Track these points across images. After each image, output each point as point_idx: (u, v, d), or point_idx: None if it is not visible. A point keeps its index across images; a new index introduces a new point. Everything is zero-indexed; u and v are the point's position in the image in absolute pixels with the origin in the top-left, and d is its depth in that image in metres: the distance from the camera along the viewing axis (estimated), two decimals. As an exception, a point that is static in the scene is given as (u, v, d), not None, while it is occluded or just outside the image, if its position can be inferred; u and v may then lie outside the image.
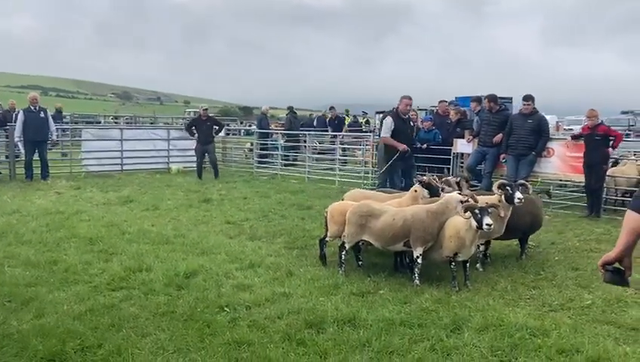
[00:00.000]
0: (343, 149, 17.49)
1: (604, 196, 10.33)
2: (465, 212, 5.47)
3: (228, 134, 15.68)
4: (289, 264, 6.41)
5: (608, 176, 10.35)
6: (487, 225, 5.34)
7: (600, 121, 9.99)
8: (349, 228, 6.06)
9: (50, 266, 6.15)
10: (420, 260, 5.74)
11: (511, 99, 18.43)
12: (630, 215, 2.55)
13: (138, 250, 6.85)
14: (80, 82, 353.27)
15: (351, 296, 5.31)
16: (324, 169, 16.41)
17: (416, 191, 6.46)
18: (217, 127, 15.18)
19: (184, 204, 10.47)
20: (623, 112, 36.80)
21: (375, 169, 13.12)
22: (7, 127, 14.10)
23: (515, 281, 5.93)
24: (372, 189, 9.45)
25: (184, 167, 16.49)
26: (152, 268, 6.09)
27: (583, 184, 10.12)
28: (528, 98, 10.45)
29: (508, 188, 6.17)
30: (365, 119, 26.18)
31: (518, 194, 6.05)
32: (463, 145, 11.50)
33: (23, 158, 13.64)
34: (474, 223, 5.41)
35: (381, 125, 12.09)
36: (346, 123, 24.89)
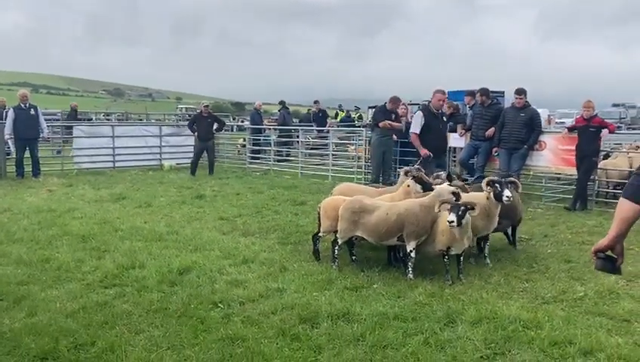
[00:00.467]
0: (336, 144, 17.48)
1: (596, 189, 10.39)
2: (452, 210, 5.43)
3: (220, 130, 15.60)
4: (283, 259, 6.41)
5: (600, 168, 10.40)
6: (450, 222, 5.33)
7: (595, 113, 10.02)
8: (341, 224, 6.06)
9: (43, 264, 6.12)
10: (413, 254, 5.75)
11: (503, 92, 18.48)
12: (623, 203, 2.58)
13: (131, 247, 6.82)
14: (71, 79, 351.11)
15: (344, 291, 5.32)
16: (317, 164, 16.40)
17: (408, 186, 6.46)
18: (218, 124, 15.15)
19: (177, 201, 10.44)
20: (614, 105, 37.00)
21: (368, 164, 13.14)
22: (-2, 125, 13.99)
23: (508, 274, 5.95)
24: (366, 184, 9.47)
25: (177, 164, 16.44)
26: (145, 265, 6.07)
27: (575, 177, 10.15)
28: (521, 92, 10.47)
29: (497, 185, 6.07)
30: (358, 114, 26.17)
31: (506, 192, 5.96)
32: (456, 139, 11.53)
33: (14, 156, 13.54)
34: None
35: (374, 120, 12.13)
36: (339, 118, 24.85)
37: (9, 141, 13.40)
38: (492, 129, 10.64)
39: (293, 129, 19.18)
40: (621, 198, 2.60)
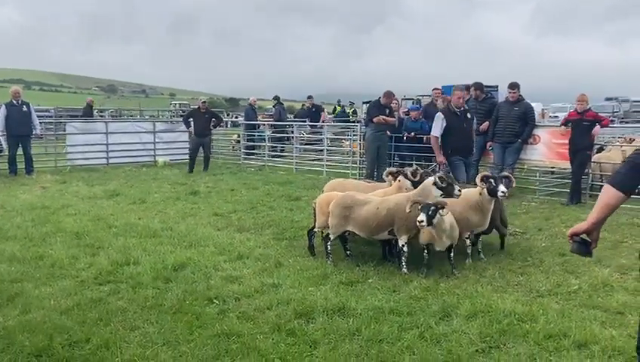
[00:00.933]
0: (331, 140, 17.47)
1: (589, 182, 10.42)
2: (422, 210, 5.39)
3: (215, 126, 15.57)
4: (278, 255, 6.40)
5: (594, 162, 10.43)
6: (418, 221, 5.30)
7: (588, 107, 10.02)
8: (332, 220, 6.09)
9: (36, 261, 6.09)
10: (405, 248, 5.77)
11: (497, 87, 18.50)
12: (608, 189, 2.61)
13: (125, 244, 6.80)
14: (64, 76, 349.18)
15: (340, 286, 5.32)
16: (312, 160, 16.39)
17: (399, 181, 6.48)
18: (215, 121, 15.11)
19: (171, 197, 10.41)
20: (607, 99, 37.15)
21: (363, 159, 13.15)
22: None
23: (502, 268, 5.96)
24: (360, 179, 9.47)
25: (171, 160, 16.39)
26: (139, 261, 6.05)
27: (570, 170, 10.18)
28: (514, 86, 10.49)
29: (491, 180, 6.02)
30: (352, 109, 26.16)
31: (501, 188, 5.92)
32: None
33: (6, 153, 13.45)
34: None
35: (368, 115, 12.12)
36: (336, 113, 24.81)
37: (1, 138, 13.31)
38: (486, 123, 10.66)
39: (288, 124, 19.15)
40: (606, 185, 2.63)
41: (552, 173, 11.83)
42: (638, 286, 5.34)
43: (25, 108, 13.35)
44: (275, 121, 19.40)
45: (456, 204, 5.89)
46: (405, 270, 5.72)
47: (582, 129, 9.71)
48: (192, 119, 14.77)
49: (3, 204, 9.46)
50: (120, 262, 6.01)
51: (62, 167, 14.85)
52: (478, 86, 11.04)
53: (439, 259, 6.06)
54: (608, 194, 2.58)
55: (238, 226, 7.98)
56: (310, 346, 4.04)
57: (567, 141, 10.00)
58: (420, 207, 5.39)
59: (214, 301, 4.91)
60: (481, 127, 10.69)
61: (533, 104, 11.66)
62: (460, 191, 5.86)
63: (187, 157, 15.31)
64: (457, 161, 9.14)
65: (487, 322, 4.42)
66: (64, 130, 16.44)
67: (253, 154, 17.78)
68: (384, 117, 11.35)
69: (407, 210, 5.50)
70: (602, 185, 9.52)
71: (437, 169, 7.29)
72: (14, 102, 13.29)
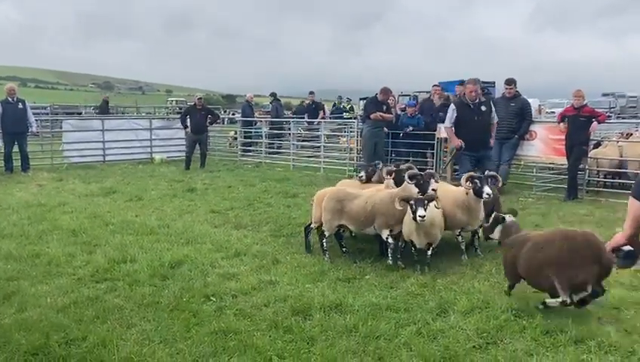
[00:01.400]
0: (328, 136, 17.45)
1: (586, 178, 10.43)
2: (417, 205, 5.40)
3: (211, 123, 15.56)
4: (275, 252, 6.40)
5: (590, 157, 10.45)
6: (420, 216, 5.29)
7: (585, 103, 10.03)
8: (325, 215, 6.14)
9: (33, 259, 6.07)
10: (390, 240, 5.90)
11: (494, 83, 18.51)
12: (632, 203, 2.61)
13: (122, 241, 6.79)
14: (60, 73, 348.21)
15: (337, 282, 5.32)
16: (309, 156, 16.38)
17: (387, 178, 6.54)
18: (212, 117, 15.09)
19: (168, 194, 10.39)
20: (604, 94, 37.21)
21: (360, 155, 13.14)
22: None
23: (499, 264, 5.92)
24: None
25: (167, 157, 16.36)
26: (136, 258, 6.04)
27: (566, 166, 10.19)
28: (511, 82, 10.49)
29: (477, 181, 5.95)
30: (349, 105, 26.11)
31: (486, 189, 5.84)
32: (447, 130, 11.52)
33: (2, 151, 13.40)
34: (411, 215, 5.43)
35: (365, 111, 12.12)
36: (331, 111, 24.74)
37: None
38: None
39: (285, 121, 19.12)
40: (631, 198, 2.62)
41: (551, 169, 11.83)
42: (634, 282, 5.35)
43: (20, 106, 13.29)
44: (272, 118, 19.36)
45: (444, 202, 5.88)
46: (390, 261, 5.82)
47: (578, 124, 9.72)
48: (188, 116, 14.73)
49: (-1, 201, 9.44)
50: (117, 259, 5.99)
51: (58, 164, 14.82)
52: (476, 82, 11.02)
53: (438, 256, 6.07)
54: (633, 207, 2.58)
55: (235, 223, 7.97)
56: (307, 343, 4.04)
57: (563, 137, 10.01)
58: (413, 202, 5.39)
59: (211, 298, 4.90)
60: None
61: (530, 100, 11.69)
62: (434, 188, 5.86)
63: (184, 154, 15.30)
64: (464, 155, 8.99)
65: (484, 318, 4.42)
66: (60, 128, 16.38)
67: (250, 151, 17.76)
68: (381, 113, 11.37)
69: (399, 207, 5.51)
70: (599, 181, 9.56)
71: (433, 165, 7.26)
72: (10, 99, 13.23)
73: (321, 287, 5.15)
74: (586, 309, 4.63)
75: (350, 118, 20.42)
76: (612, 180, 11.07)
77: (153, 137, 16.77)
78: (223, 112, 36.02)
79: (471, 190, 6.02)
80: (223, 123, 27.05)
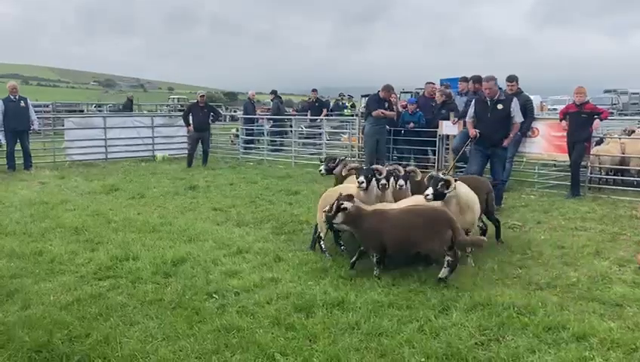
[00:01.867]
0: (330, 133, 17.45)
1: (588, 175, 10.42)
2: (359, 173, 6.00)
3: (214, 121, 15.55)
4: (277, 249, 6.41)
5: (592, 154, 10.43)
6: (359, 182, 5.88)
7: (587, 99, 9.99)
8: (320, 215, 6.13)
9: (36, 257, 6.08)
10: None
11: (496, 80, 18.46)
12: None
13: (124, 239, 6.80)
14: (61, 70, 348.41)
15: (339, 280, 5.32)
16: (311, 154, 16.37)
17: None
18: (214, 115, 15.09)
19: (170, 192, 10.40)
20: (606, 91, 37.14)
21: (361, 153, 13.14)
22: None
23: (501, 261, 5.97)
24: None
25: (169, 155, 16.37)
26: (138, 256, 6.05)
27: (568, 163, 10.17)
28: (512, 79, 10.46)
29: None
30: (351, 103, 26.11)
31: (427, 191, 5.68)
32: (449, 127, 11.51)
33: (4, 149, 13.43)
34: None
35: (367, 108, 12.12)
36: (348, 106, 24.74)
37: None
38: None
39: (287, 118, 19.11)
40: None
41: (555, 166, 11.81)
42: (636, 279, 5.36)
43: (22, 104, 13.31)
44: (273, 115, 19.35)
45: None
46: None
47: (580, 122, 9.69)
48: (191, 114, 14.73)
49: (1, 199, 9.45)
50: (119, 257, 6.00)
51: (60, 162, 14.83)
52: (477, 79, 11.01)
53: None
54: None
55: (238, 221, 7.98)
56: (310, 340, 4.05)
57: (565, 134, 9.99)
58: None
59: (214, 295, 4.92)
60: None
61: (531, 97, 11.65)
62: (382, 183, 6.07)
63: (186, 151, 15.29)
64: (475, 150, 8.99)
65: (486, 315, 4.43)
66: (62, 126, 16.40)
67: (251, 148, 17.76)
68: (383, 111, 11.36)
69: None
70: (601, 178, 9.55)
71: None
72: (12, 97, 13.25)
73: (324, 285, 5.16)
74: (588, 305, 4.65)
75: (352, 116, 20.41)
76: (614, 177, 11.06)
77: (155, 135, 16.76)
78: (224, 110, 36.05)
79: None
80: (225, 120, 27.08)
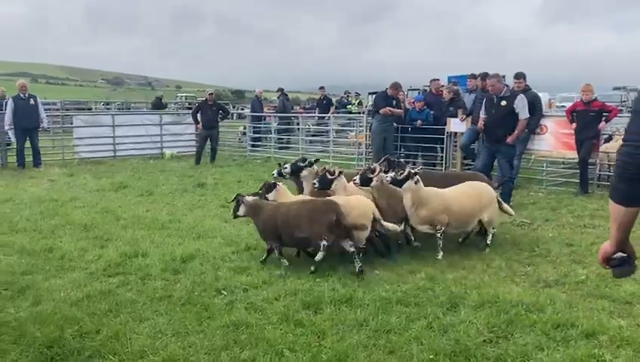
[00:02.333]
0: (337, 131, 17.44)
1: (597, 172, 10.37)
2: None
3: (222, 119, 15.59)
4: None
5: (602, 152, 10.37)
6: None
7: (594, 97, 9.94)
8: None
9: (46, 254, 6.14)
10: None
11: (504, 77, 18.38)
12: (616, 208, 2.27)
13: (133, 236, 6.85)
14: (70, 69, 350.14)
15: (347, 277, 5.33)
16: (318, 151, 16.38)
17: None
18: (223, 113, 15.14)
19: (178, 189, 10.44)
20: (615, 88, 36.85)
21: (369, 150, 13.13)
22: (-2, 115, 13.96)
23: (509, 258, 5.97)
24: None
25: (178, 152, 16.44)
26: (148, 253, 6.09)
27: (577, 160, 10.12)
28: (519, 76, 10.42)
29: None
30: (358, 100, 26.07)
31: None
32: (457, 124, 11.49)
33: (15, 146, 13.54)
34: None
35: (374, 106, 12.11)
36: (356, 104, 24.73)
37: (9, 131, 13.39)
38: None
39: (294, 116, 19.12)
40: (611, 202, 2.30)
41: (563, 163, 11.75)
42: (646, 276, 5.33)
43: (32, 102, 13.42)
44: (278, 112, 19.36)
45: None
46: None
47: (588, 119, 9.65)
48: (200, 112, 14.78)
49: (12, 196, 9.53)
50: (129, 254, 6.05)
51: (69, 159, 14.93)
52: (485, 76, 10.97)
53: (448, 250, 6.08)
54: (619, 213, 2.24)
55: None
56: (318, 336, 4.06)
57: (573, 131, 9.93)
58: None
59: (223, 292, 4.94)
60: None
61: (540, 94, 11.59)
62: (316, 181, 6.30)
63: (194, 149, 15.34)
64: (483, 147, 9.12)
65: (494, 312, 4.42)
66: (71, 123, 16.50)
67: (259, 145, 17.79)
68: (390, 108, 11.35)
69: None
70: (610, 176, 9.52)
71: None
72: (21, 95, 13.36)
73: (331, 281, 5.17)
74: (597, 303, 4.63)
75: (359, 113, 20.39)
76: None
77: (163, 132, 16.83)
78: (232, 107, 36.12)
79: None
80: (232, 118, 27.15)
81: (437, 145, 12.38)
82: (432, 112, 12.43)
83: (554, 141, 10.52)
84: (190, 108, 21.76)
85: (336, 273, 5.44)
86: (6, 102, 14.17)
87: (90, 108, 36.00)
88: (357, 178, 6.20)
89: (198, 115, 14.73)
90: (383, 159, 7.20)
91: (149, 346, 3.90)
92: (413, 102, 13.18)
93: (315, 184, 6.29)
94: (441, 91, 12.85)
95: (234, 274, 5.44)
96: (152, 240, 6.68)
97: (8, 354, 3.80)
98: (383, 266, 5.68)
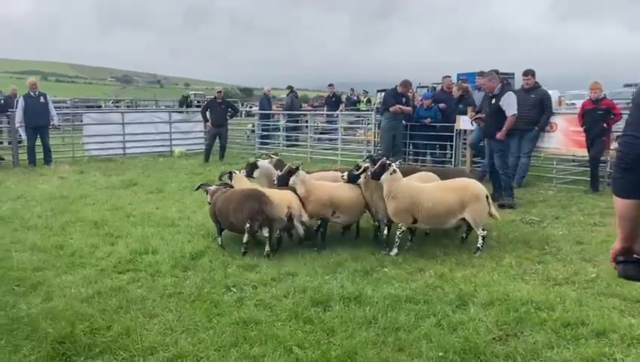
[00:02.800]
0: (345, 128, 17.43)
1: (608, 170, 10.28)
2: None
3: (232, 117, 15.63)
4: (293, 244, 6.44)
5: (612, 149, 10.27)
6: None
7: (603, 95, 9.85)
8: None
9: (57, 250, 6.19)
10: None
11: (513, 74, 18.30)
12: (615, 201, 2.23)
13: (143, 233, 6.88)
14: (79, 66, 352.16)
15: (355, 274, 5.34)
16: (327, 149, 16.38)
17: None
18: (232, 111, 15.19)
19: (188, 187, 10.47)
20: (626, 85, 36.54)
21: (378, 148, 13.11)
22: (9, 113, 14.07)
23: (519, 256, 5.94)
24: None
25: (187, 150, 16.49)
26: (157, 250, 6.13)
27: (587, 158, 10.05)
28: (527, 73, 10.36)
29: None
30: (366, 98, 26.02)
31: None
32: (466, 122, 11.43)
33: (25, 144, 13.65)
34: None
35: (384, 103, 12.09)
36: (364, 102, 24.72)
37: (19, 129, 13.50)
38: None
39: (302, 114, 19.13)
40: (614, 196, 2.24)
41: (574, 161, 11.67)
42: (657, 275, 5.28)
43: (42, 100, 13.53)
44: (287, 110, 19.37)
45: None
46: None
47: (596, 118, 9.56)
48: (209, 110, 14.83)
49: (23, 193, 9.61)
50: (139, 250, 6.08)
51: (79, 157, 15.02)
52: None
53: (455, 248, 6.06)
54: (617, 205, 2.21)
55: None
56: (327, 334, 4.07)
57: (583, 129, 9.86)
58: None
59: (232, 289, 4.96)
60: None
61: (550, 91, 11.52)
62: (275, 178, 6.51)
63: (202, 146, 15.39)
64: (487, 144, 9.33)
65: (504, 310, 4.41)
66: (81, 121, 16.60)
67: (267, 143, 17.82)
68: (400, 106, 11.33)
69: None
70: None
71: None
72: (32, 93, 13.47)
73: (340, 279, 5.18)
74: (608, 301, 4.60)
75: (367, 111, 20.36)
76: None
77: (172, 130, 16.90)
78: (240, 105, 36.18)
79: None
80: (241, 116, 27.21)
81: (446, 143, 12.34)
82: (440, 106, 12.35)
83: (564, 139, 10.45)
84: (199, 106, 21.85)
85: (345, 270, 5.44)
86: (17, 101, 14.30)
87: (99, 106, 36.19)
88: (345, 174, 6.47)
89: (207, 113, 14.77)
90: (366, 157, 7.50)
91: (160, 342, 3.93)
92: (421, 100, 13.13)
93: (274, 181, 6.54)
94: (452, 88, 12.80)
95: (243, 271, 5.46)
96: (162, 237, 6.71)
97: (21, 350, 3.84)
98: (392, 264, 5.68)
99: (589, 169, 10.05)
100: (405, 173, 6.44)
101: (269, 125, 18.47)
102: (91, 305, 4.60)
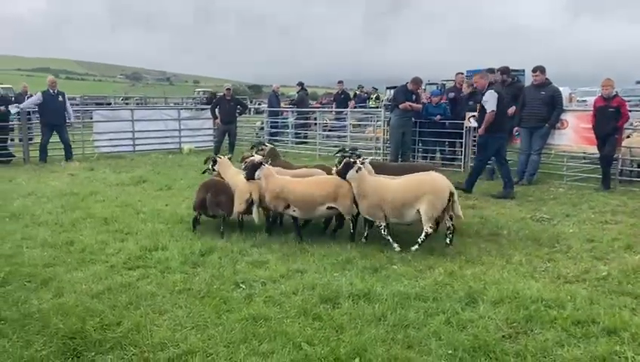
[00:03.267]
0: (354, 125, 17.40)
1: (619, 167, 10.19)
2: None
3: (241, 114, 15.64)
4: (302, 240, 6.43)
5: (624, 146, 10.19)
6: None
7: (615, 92, 9.75)
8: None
9: (67, 247, 6.24)
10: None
11: (523, 71, 18.19)
12: None
13: (153, 230, 6.92)
14: (89, 64, 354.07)
15: (364, 271, 5.34)
16: (336, 146, 16.36)
17: None
18: (241, 108, 15.22)
19: (197, 183, 10.44)
20: (638, 82, 36.17)
21: (387, 145, 13.09)
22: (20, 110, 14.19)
23: (529, 254, 5.91)
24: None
25: (196, 147, 16.54)
26: (167, 246, 6.16)
27: (598, 156, 9.96)
28: (536, 69, 10.30)
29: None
30: (376, 95, 25.95)
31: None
32: (473, 119, 11.38)
33: (37, 141, 13.78)
34: None
35: (394, 100, 12.06)
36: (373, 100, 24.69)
37: (12, 109, 13.73)
38: (513, 108, 10.47)
39: (311, 111, 19.12)
40: None
41: (584, 158, 11.58)
42: (669, 273, 5.24)
43: (60, 98, 13.72)
44: (297, 106, 19.36)
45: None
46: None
47: (608, 115, 9.45)
48: (218, 107, 14.86)
49: (34, 190, 9.69)
50: (148, 247, 6.12)
51: (89, 154, 15.11)
52: (504, 70, 10.87)
53: (465, 246, 6.04)
54: None
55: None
56: (336, 331, 4.07)
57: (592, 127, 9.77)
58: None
59: (241, 285, 4.98)
60: (508, 111, 10.51)
61: (560, 88, 11.44)
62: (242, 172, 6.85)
63: (212, 144, 15.42)
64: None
65: (513, 308, 4.39)
66: (91, 118, 16.69)
67: (276, 140, 17.83)
68: (410, 103, 11.30)
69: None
70: (632, 171, 9.32)
71: None
72: (51, 91, 13.63)
73: (349, 276, 5.18)
74: (619, 300, 4.57)
75: (377, 108, 20.32)
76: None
77: (182, 127, 16.95)
78: (249, 102, 36.23)
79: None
80: (250, 113, 27.27)
81: (456, 140, 12.30)
82: (450, 95, 12.32)
83: (575, 136, 10.38)
84: (208, 104, 21.90)
85: (354, 267, 5.44)
86: (28, 97, 14.43)
87: (109, 103, 36.36)
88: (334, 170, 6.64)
89: (217, 110, 14.80)
90: (337, 151, 7.86)
91: (169, 338, 3.95)
92: (430, 97, 13.07)
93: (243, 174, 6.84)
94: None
95: (252, 267, 5.48)
96: (172, 233, 6.75)
97: (32, 345, 3.87)
98: (401, 261, 5.67)
99: (599, 166, 9.97)
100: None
101: (277, 122, 18.48)
102: (101, 301, 4.64)
